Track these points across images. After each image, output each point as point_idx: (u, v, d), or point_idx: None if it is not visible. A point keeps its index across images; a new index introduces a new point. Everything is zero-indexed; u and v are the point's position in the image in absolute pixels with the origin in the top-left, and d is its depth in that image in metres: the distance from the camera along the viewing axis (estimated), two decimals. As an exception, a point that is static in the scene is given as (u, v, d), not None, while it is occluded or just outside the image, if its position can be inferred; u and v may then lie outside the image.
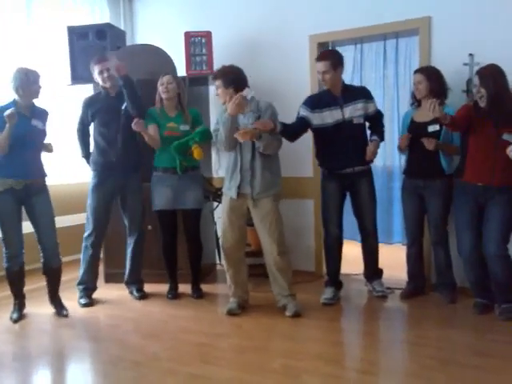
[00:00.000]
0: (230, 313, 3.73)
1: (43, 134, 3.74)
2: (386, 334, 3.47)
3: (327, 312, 3.76)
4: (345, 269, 4.21)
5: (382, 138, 3.99)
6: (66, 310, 3.82)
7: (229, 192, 3.67)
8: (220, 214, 4.68)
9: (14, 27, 4.70)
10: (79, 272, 4.13)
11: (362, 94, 3.91)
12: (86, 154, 4.15)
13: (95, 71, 3.97)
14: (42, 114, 3.77)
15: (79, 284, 4.12)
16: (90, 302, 4.03)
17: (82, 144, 4.15)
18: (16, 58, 4.61)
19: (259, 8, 4.84)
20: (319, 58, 3.81)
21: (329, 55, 3.83)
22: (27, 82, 3.56)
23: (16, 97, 3.61)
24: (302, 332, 3.42)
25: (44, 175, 3.79)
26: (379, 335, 3.43)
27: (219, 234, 4.64)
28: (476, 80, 3.45)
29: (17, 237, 3.66)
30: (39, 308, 3.88)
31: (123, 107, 3.99)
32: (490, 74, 3.39)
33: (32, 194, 3.66)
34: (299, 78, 4.62)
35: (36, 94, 3.66)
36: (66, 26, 4.70)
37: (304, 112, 3.85)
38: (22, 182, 3.59)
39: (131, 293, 4.20)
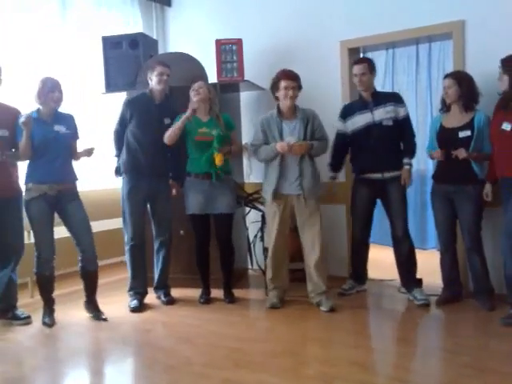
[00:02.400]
0: (272, 307, 3.91)
1: (69, 137, 3.78)
2: (422, 341, 3.41)
3: (361, 317, 3.74)
4: (379, 275, 4.20)
5: (412, 154, 3.98)
6: (102, 313, 3.85)
7: (266, 195, 3.89)
8: (252, 219, 4.77)
9: (50, 37, 4.81)
10: (128, 278, 4.16)
11: (393, 97, 4.02)
12: (119, 154, 4.15)
13: (155, 71, 3.99)
14: (66, 119, 3.82)
15: (129, 290, 4.14)
16: (140, 306, 4.03)
17: (117, 145, 4.14)
18: (52, 67, 4.71)
19: (290, 15, 4.86)
20: (358, 62, 4.02)
21: (366, 59, 4.08)
22: (43, 89, 3.65)
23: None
24: (335, 337, 3.38)
25: (75, 180, 3.85)
26: (415, 342, 3.38)
27: (251, 238, 4.70)
28: (499, 68, 3.49)
29: (49, 242, 3.73)
30: (74, 311, 3.94)
31: (166, 122, 4.01)
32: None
33: (65, 199, 3.73)
34: (330, 85, 4.62)
35: (55, 102, 3.71)
36: (101, 37, 4.80)
37: (339, 126, 4.11)
38: (55, 187, 3.67)
39: (159, 298, 4.22)
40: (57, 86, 3.70)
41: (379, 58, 5.38)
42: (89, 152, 3.83)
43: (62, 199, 3.71)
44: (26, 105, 3.81)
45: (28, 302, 4.30)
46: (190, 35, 5.48)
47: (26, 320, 3.74)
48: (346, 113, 4.08)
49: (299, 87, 3.86)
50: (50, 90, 3.66)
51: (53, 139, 3.67)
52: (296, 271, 4.29)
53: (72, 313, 3.92)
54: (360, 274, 4.27)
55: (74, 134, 3.84)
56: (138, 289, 4.12)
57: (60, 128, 3.73)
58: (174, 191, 4.17)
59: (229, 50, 4.66)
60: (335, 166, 4.24)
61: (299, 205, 3.85)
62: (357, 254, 4.24)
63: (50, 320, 3.74)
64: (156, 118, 4.02)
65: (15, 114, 3.68)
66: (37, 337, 3.54)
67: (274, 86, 3.88)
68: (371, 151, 3.93)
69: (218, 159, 3.86)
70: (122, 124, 4.08)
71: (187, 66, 4.58)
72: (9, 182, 3.67)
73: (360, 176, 4.09)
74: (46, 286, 3.79)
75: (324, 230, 3.90)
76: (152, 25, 5.67)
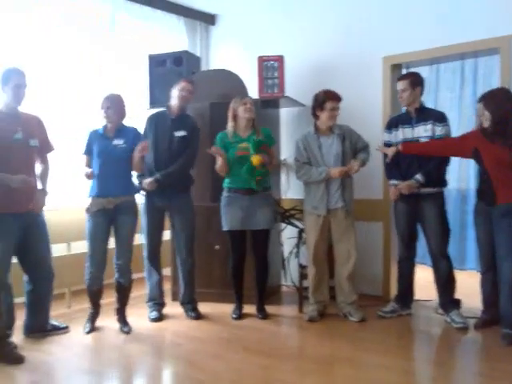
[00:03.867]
0: (311, 320, 3.95)
1: (126, 151, 3.84)
2: (458, 364, 3.29)
3: (395, 338, 3.64)
4: (415, 294, 4.07)
5: (428, 175, 3.80)
6: (129, 327, 3.89)
7: (316, 210, 3.94)
8: (288, 235, 4.76)
9: (98, 53, 5.03)
10: (146, 289, 4.23)
11: (435, 116, 3.91)
12: (141, 174, 4.07)
13: (177, 86, 4.05)
14: (127, 132, 3.93)
15: (148, 301, 4.21)
16: (159, 317, 4.09)
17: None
18: (100, 82, 4.93)
19: (331, 31, 4.87)
20: (400, 78, 4.02)
21: (410, 75, 4.02)
22: (102, 107, 3.84)
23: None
24: (367, 357, 3.30)
25: (133, 192, 3.96)
26: (450, 365, 3.25)
27: (285, 254, 4.69)
28: (479, 104, 3.55)
29: (102, 257, 3.84)
30: (110, 322, 4.00)
31: (178, 134, 4.03)
32: (495, 98, 3.49)
33: (122, 212, 3.83)
34: (372, 102, 4.57)
35: (107, 118, 3.86)
36: (148, 55, 4.96)
37: (385, 137, 4.07)
38: (112, 200, 3.79)
39: (186, 312, 4.20)
40: (118, 101, 3.89)
41: (422, 73, 5.27)
42: (142, 149, 3.83)
43: (119, 211, 3.82)
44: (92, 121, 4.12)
45: (65, 312, 4.41)
46: (233, 52, 5.58)
47: (64, 330, 3.83)
48: (391, 125, 4.05)
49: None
50: (109, 107, 3.84)
51: (110, 153, 3.80)
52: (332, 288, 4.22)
53: (110, 323, 3.98)
54: (404, 296, 4.08)
55: (131, 147, 3.86)
56: (156, 300, 4.18)
57: (118, 142, 3.86)
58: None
59: (270, 67, 4.71)
60: (392, 175, 4.02)
61: (336, 218, 3.93)
62: (402, 274, 4.08)
63: (90, 326, 3.87)
64: (167, 131, 4.05)
65: (40, 122, 3.78)
66: (71, 348, 3.59)
67: (319, 106, 3.94)
68: (407, 167, 3.87)
69: (256, 159, 3.83)
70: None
71: (227, 82, 4.66)
72: (33, 194, 3.64)
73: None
74: (93, 298, 3.92)
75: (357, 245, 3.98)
76: (196, 42, 5.81)
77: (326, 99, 3.91)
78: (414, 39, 4.36)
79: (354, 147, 3.98)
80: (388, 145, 4.03)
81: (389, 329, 3.80)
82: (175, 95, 4.05)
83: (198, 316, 4.14)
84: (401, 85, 3.91)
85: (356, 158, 3.93)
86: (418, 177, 3.79)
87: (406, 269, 4.05)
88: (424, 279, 4.30)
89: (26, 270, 3.71)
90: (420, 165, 3.82)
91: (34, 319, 3.76)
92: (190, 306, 4.20)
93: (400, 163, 3.91)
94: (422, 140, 3.85)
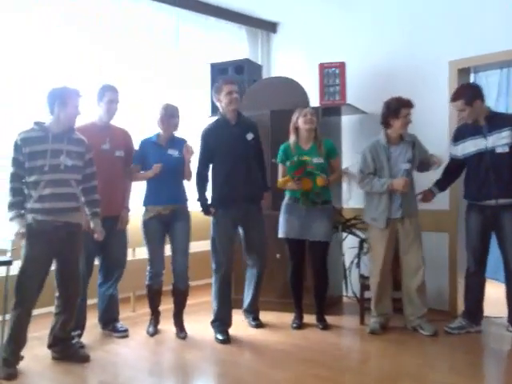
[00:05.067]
0: (373, 332, 3.88)
1: (180, 162, 3.93)
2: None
3: (462, 356, 3.48)
4: (486, 311, 3.90)
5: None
6: (185, 333, 3.95)
7: (375, 222, 3.88)
8: (349, 244, 4.68)
9: (163, 62, 5.17)
10: (213, 307, 3.96)
11: (510, 121, 3.68)
12: (203, 199, 3.94)
13: (223, 91, 3.86)
14: (180, 144, 4.01)
15: (214, 321, 3.94)
16: (227, 339, 3.81)
17: (201, 187, 3.95)
18: (163, 91, 5.06)
19: (394, 36, 4.76)
20: (452, 99, 3.79)
21: (461, 93, 3.73)
22: (165, 115, 3.91)
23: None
24: (432, 375, 3.17)
25: (186, 201, 4.03)
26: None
27: (347, 264, 4.61)
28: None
29: (160, 258, 3.97)
30: (172, 326, 4.06)
31: (249, 138, 3.93)
32: None
33: (176, 218, 3.92)
34: (437, 108, 4.41)
35: (174, 127, 3.97)
36: (210, 64, 5.05)
37: (451, 149, 3.93)
38: (168, 207, 3.89)
39: (248, 320, 4.19)
40: (176, 111, 3.96)
41: (492, 77, 5.09)
42: (188, 151, 3.91)
43: (174, 218, 3.91)
44: (147, 129, 4.20)
45: (130, 315, 4.55)
46: (294, 60, 5.57)
47: (124, 333, 3.96)
48: (458, 136, 3.85)
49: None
50: (171, 116, 3.92)
51: (166, 163, 3.88)
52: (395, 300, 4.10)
53: (171, 328, 4.05)
54: (473, 312, 3.87)
55: (184, 160, 3.96)
56: (223, 320, 3.92)
57: (173, 152, 3.94)
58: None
59: (331, 74, 4.66)
60: (441, 186, 4.00)
61: (404, 228, 3.84)
62: (470, 289, 3.86)
63: (152, 330, 3.99)
64: (238, 138, 3.89)
65: (127, 135, 4.04)
66: (136, 350, 3.72)
67: (393, 113, 3.81)
68: (483, 178, 3.67)
69: (320, 181, 3.80)
70: (206, 156, 3.92)
71: (288, 89, 4.65)
72: (118, 202, 3.92)
73: (471, 202, 3.84)
74: (154, 298, 4.03)
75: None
76: (257, 50, 5.86)
77: (401, 106, 3.79)
78: (481, 42, 4.18)
79: (420, 156, 3.88)
80: (452, 159, 3.90)
81: (456, 345, 3.64)
82: (226, 101, 3.85)
83: (260, 325, 4.12)
84: (456, 106, 3.73)
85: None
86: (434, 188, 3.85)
87: (476, 284, 3.83)
88: (495, 295, 4.10)
89: (101, 262, 3.98)
90: (497, 177, 3.62)
91: (102, 314, 4.03)
92: (253, 314, 4.19)
93: (471, 176, 3.76)
94: (499, 150, 3.62)
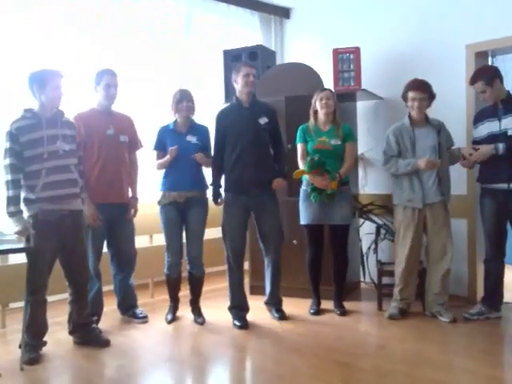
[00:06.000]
0: (391, 318, 3.88)
1: (198, 148, 3.91)
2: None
3: (482, 342, 3.47)
4: (506, 296, 3.88)
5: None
6: (203, 318, 3.97)
7: (411, 203, 3.82)
8: (366, 230, 4.66)
9: (174, 49, 5.16)
10: (228, 295, 3.97)
11: None
12: (214, 185, 3.93)
13: (241, 72, 3.80)
14: (200, 130, 4.00)
15: (231, 308, 3.95)
16: (245, 324, 3.83)
17: (214, 172, 3.93)
18: (176, 78, 5.05)
19: (409, 20, 4.69)
20: (471, 82, 3.79)
21: (479, 75, 3.75)
22: (173, 100, 3.91)
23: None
24: (452, 361, 3.18)
25: (204, 188, 4.00)
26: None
27: (364, 250, 4.60)
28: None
29: (178, 246, 3.96)
30: (189, 313, 4.08)
31: (261, 122, 3.83)
32: None
33: (192, 205, 3.91)
34: (454, 92, 4.34)
35: (187, 112, 3.93)
36: (223, 51, 5.02)
37: (473, 133, 3.90)
38: (183, 194, 3.88)
39: (270, 312, 4.11)
40: (185, 96, 3.92)
41: (510, 61, 4.99)
42: (202, 160, 3.91)
43: (189, 205, 3.90)
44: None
45: (148, 301, 4.60)
46: (308, 45, 5.52)
47: (143, 319, 3.99)
48: (477, 119, 3.86)
49: (430, 97, 3.83)
50: (179, 101, 3.89)
51: (183, 149, 3.86)
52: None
53: (189, 315, 4.07)
54: (493, 298, 3.83)
55: (204, 146, 3.98)
56: (240, 306, 3.94)
57: (192, 138, 3.93)
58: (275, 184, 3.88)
59: (346, 59, 4.62)
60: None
61: (433, 212, 3.81)
62: (489, 275, 3.83)
63: (171, 317, 4.00)
64: (249, 121, 3.81)
65: (130, 120, 4.01)
66: (155, 335, 3.75)
67: (404, 96, 3.88)
68: (496, 161, 3.63)
69: (335, 185, 3.82)
70: (220, 139, 3.87)
71: (303, 75, 4.61)
72: (124, 188, 3.91)
73: (484, 186, 3.82)
74: (173, 287, 4.05)
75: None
76: (271, 37, 5.81)
77: (407, 89, 3.84)
78: (499, 24, 4.10)
79: (444, 142, 3.84)
80: (475, 142, 3.84)
81: (476, 332, 3.62)
82: (241, 83, 3.80)
83: (283, 316, 3.99)
84: (476, 87, 3.73)
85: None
86: (501, 145, 3.58)
87: (494, 269, 3.80)
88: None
89: (109, 255, 3.98)
90: (510, 160, 3.59)
91: (120, 301, 4.05)
92: (276, 306, 4.07)
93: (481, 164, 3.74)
94: (510, 132, 3.60)
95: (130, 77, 4.66)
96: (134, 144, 4.00)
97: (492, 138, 3.67)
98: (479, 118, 3.83)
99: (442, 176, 3.79)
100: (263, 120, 3.84)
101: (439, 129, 3.83)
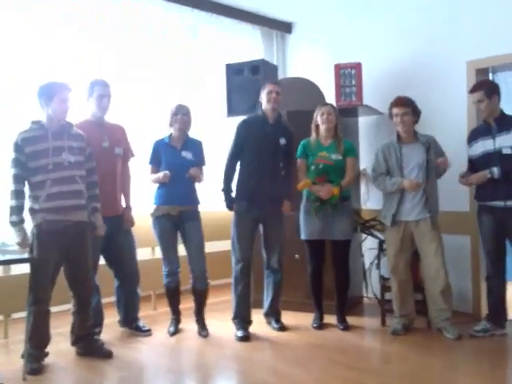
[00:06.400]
0: (395, 333, 3.86)
1: (193, 165, 3.94)
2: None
3: (487, 359, 3.45)
4: (511, 313, 3.90)
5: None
6: (207, 331, 3.96)
7: (384, 220, 3.89)
8: (369, 245, 4.66)
9: (180, 63, 5.20)
10: (232, 305, 4.01)
11: None
12: (227, 190, 3.95)
13: (265, 89, 3.93)
14: (194, 146, 4.02)
15: (234, 318, 3.98)
16: (247, 336, 3.85)
17: (226, 178, 3.96)
18: (178, 92, 5.06)
19: (411, 37, 4.73)
20: (472, 90, 3.80)
21: (482, 85, 3.80)
22: (174, 114, 3.92)
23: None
24: (456, 378, 3.15)
25: (197, 203, 4.02)
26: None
27: (367, 265, 4.59)
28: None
29: (174, 256, 3.97)
30: (193, 325, 4.07)
31: (281, 142, 3.93)
32: None
33: (185, 219, 3.92)
34: (455, 109, 4.38)
35: (184, 126, 3.95)
36: (225, 64, 5.03)
37: (467, 151, 3.90)
38: (176, 208, 3.89)
39: (269, 323, 4.13)
40: (181, 109, 3.94)
41: (510, 78, 5.05)
42: (196, 177, 3.94)
43: (183, 219, 3.91)
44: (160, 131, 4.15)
45: (150, 313, 4.59)
46: (310, 60, 5.56)
47: (147, 333, 3.97)
48: (471, 137, 3.88)
49: (414, 112, 3.84)
50: (175, 114, 3.92)
51: (179, 165, 3.88)
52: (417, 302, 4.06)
53: (192, 328, 4.05)
54: (497, 315, 3.80)
55: (199, 162, 4.01)
56: (242, 317, 3.96)
57: (187, 154, 3.94)
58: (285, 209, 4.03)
59: (348, 75, 4.65)
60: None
61: (419, 229, 3.80)
62: (492, 292, 3.81)
63: (173, 330, 3.98)
64: (272, 138, 3.92)
65: (123, 131, 4.00)
66: (157, 348, 3.73)
67: (390, 114, 3.93)
68: (492, 180, 3.64)
69: (337, 191, 3.83)
70: (238, 147, 3.93)
71: (304, 90, 4.64)
72: (118, 200, 3.90)
73: (481, 203, 3.83)
74: (172, 297, 4.03)
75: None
76: (272, 51, 5.84)
77: (392, 106, 3.89)
78: (500, 41, 4.14)
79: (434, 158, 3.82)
80: (469, 160, 3.87)
81: (481, 349, 3.60)
82: (265, 100, 3.93)
83: (282, 327, 4.04)
84: (476, 96, 3.72)
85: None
86: (495, 170, 3.59)
87: (496, 286, 3.79)
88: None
89: (113, 270, 3.95)
90: (505, 178, 3.59)
91: (124, 314, 4.01)
92: (275, 317, 4.11)
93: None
94: (505, 151, 3.61)
95: (130, 77, 4.71)
96: (127, 155, 3.99)
97: (487, 157, 3.68)
98: (473, 136, 3.85)
99: (429, 193, 3.78)
100: (283, 140, 3.95)
101: (428, 145, 3.81)
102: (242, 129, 3.96)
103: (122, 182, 3.94)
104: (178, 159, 3.91)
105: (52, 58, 4.32)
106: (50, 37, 4.38)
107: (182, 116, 3.92)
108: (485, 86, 3.73)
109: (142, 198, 4.30)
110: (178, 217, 3.90)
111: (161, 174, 3.86)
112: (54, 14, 4.39)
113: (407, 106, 3.82)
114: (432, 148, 3.82)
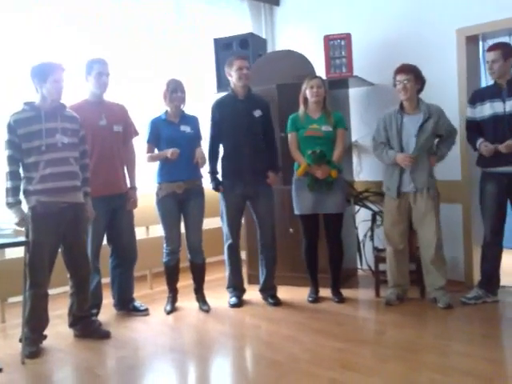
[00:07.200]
0: (389, 304, 3.89)
1: (193, 137, 3.95)
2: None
3: (480, 326, 3.51)
4: (503, 280, 3.91)
5: None
6: (208, 306, 4.02)
7: (388, 192, 3.89)
8: (362, 217, 4.68)
9: (166, 40, 5.14)
10: (226, 274, 4.21)
11: None
12: (213, 173, 4.04)
13: (234, 66, 3.89)
14: (191, 120, 4.01)
15: (228, 287, 4.19)
16: (238, 303, 4.07)
17: (211, 161, 4.03)
18: (167, 68, 5.02)
19: (400, 5, 4.66)
20: (489, 48, 3.73)
21: (501, 45, 3.73)
22: (167, 90, 3.88)
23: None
24: (450, 345, 3.19)
25: (200, 176, 4.02)
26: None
27: (360, 237, 4.61)
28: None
29: (177, 235, 3.99)
30: (190, 304, 4.13)
31: (256, 115, 3.95)
32: None
33: (191, 196, 3.93)
34: (445, 77, 4.34)
35: (179, 102, 3.92)
36: (213, 39, 4.97)
37: (468, 112, 3.87)
38: (182, 185, 3.88)
39: (265, 299, 4.17)
40: (179, 86, 3.91)
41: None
42: (201, 161, 3.92)
43: (188, 195, 3.92)
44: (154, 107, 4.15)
45: (147, 293, 4.61)
46: (299, 33, 5.48)
47: (145, 312, 3.99)
48: (476, 98, 3.80)
49: (417, 79, 3.79)
50: (173, 91, 3.87)
51: (179, 139, 3.87)
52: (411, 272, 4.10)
53: (187, 306, 4.11)
54: (490, 282, 3.83)
55: (198, 135, 4.01)
56: (235, 286, 4.16)
57: (186, 128, 3.93)
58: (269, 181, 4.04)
59: (337, 46, 4.59)
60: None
61: (416, 201, 3.81)
62: (487, 259, 3.82)
63: (170, 308, 4.02)
64: (244, 113, 3.93)
65: (123, 109, 3.97)
66: (155, 326, 3.76)
67: (394, 83, 3.87)
68: (500, 143, 3.60)
69: (335, 173, 3.85)
70: (215, 128, 4.00)
71: (294, 63, 4.59)
72: (121, 179, 3.88)
73: (487, 170, 3.79)
74: (171, 275, 4.06)
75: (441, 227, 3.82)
76: (261, 24, 5.76)
77: (395, 73, 3.84)
78: (490, 8, 4.08)
79: (436, 130, 3.79)
80: (471, 121, 3.83)
81: (473, 316, 3.65)
82: (236, 76, 3.90)
83: (278, 303, 4.09)
84: (492, 55, 3.65)
85: (436, 154, 3.83)
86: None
87: (493, 253, 3.79)
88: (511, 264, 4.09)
89: (111, 247, 3.96)
90: None
91: (118, 296, 4.01)
92: (270, 292, 4.16)
93: (488, 141, 3.68)
94: None
95: (128, 75, 4.70)
96: (129, 133, 3.96)
97: (497, 119, 3.65)
98: (479, 97, 3.78)
99: (422, 165, 3.76)
100: (257, 113, 3.97)
101: (429, 116, 3.76)
102: (216, 110, 4.01)
103: (127, 161, 3.93)
104: (178, 133, 3.89)
105: (52, 58, 4.20)
106: (50, 37, 4.34)
107: (181, 93, 3.90)
108: (503, 48, 3.67)
109: (138, 177, 4.25)
110: (184, 194, 3.90)
111: (168, 152, 3.80)
112: (53, 14, 4.36)
113: (408, 73, 3.77)
114: (432, 118, 3.76)
